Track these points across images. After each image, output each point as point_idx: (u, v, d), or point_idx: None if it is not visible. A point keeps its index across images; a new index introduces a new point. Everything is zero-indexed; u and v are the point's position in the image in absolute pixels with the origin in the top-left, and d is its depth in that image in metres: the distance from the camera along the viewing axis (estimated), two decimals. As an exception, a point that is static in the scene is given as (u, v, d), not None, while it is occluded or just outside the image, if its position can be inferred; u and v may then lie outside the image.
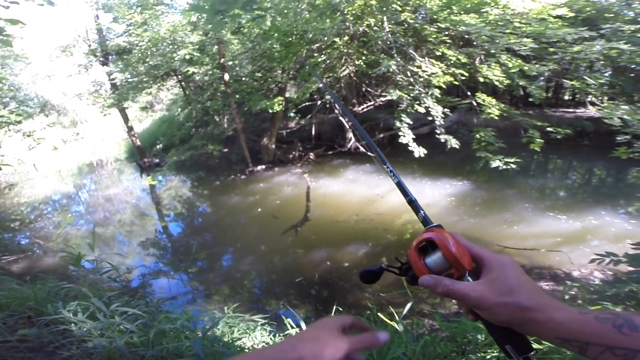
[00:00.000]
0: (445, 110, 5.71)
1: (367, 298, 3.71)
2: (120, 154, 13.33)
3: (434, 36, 5.90)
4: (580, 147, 8.88)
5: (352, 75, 7.67)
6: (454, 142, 5.74)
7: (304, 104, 8.56)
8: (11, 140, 8.20)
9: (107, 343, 1.64)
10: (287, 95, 8.69)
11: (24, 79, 10.63)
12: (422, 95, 5.66)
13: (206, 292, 4.35)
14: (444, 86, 5.77)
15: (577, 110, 10.14)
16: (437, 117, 5.60)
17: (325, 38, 6.29)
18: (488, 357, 1.43)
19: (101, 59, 9.57)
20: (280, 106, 7.55)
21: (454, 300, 0.54)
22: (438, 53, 5.94)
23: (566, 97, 11.92)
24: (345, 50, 6.69)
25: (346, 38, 6.70)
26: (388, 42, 6.05)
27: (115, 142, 13.42)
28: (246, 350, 1.90)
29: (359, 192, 7.11)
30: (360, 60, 6.58)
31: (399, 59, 5.92)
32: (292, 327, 2.17)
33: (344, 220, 5.85)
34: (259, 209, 6.89)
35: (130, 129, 10.50)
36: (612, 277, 3.18)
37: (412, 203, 0.63)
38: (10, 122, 6.65)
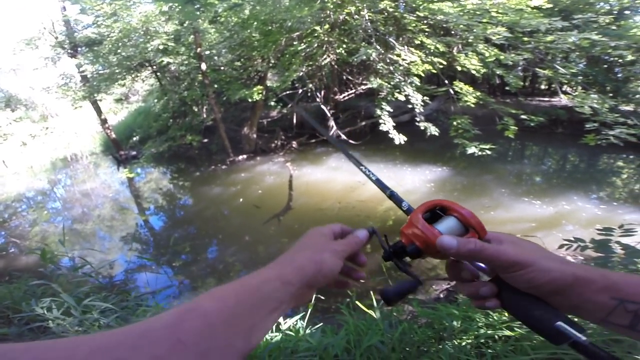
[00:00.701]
0: (425, 98, 5.82)
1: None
2: (95, 147, 12.87)
3: (414, 25, 5.92)
4: (555, 135, 9.19)
5: (333, 63, 7.62)
6: (433, 130, 5.89)
7: (285, 93, 8.48)
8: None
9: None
10: (268, 84, 8.56)
11: None
12: (402, 83, 5.72)
13: (192, 285, 4.32)
14: (422, 75, 5.84)
15: (553, 99, 10.46)
16: (416, 105, 5.70)
17: (305, 26, 6.19)
18: (463, 343, 1.49)
19: (69, 51, 9.07)
20: (260, 95, 7.47)
21: (454, 282, 0.48)
22: (417, 42, 6.00)
23: (542, 87, 12.26)
24: (326, 39, 6.62)
25: (327, 26, 6.63)
26: (368, 31, 6.02)
27: (90, 135, 12.91)
28: None
29: (341, 179, 7.15)
30: (341, 49, 6.53)
31: (378, 47, 5.92)
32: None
33: (327, 207, 5.90)
34: (241, 199, 6.84)
35: (104, 121, 10.09)
36: (583, 263, 3.35)
37: (393, 197, 0.60)
38: (-29, 118, 6.29)
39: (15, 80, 13.02)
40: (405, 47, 6.11)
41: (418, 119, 5.89)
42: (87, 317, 1.75)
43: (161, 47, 6.83)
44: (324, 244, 0.48)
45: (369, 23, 5.94)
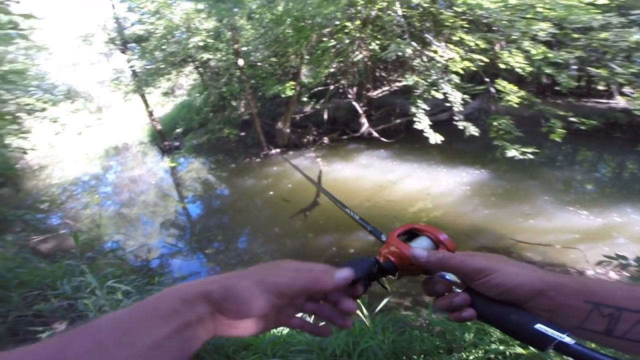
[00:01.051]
0: (465, 96, 5.57)
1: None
2: (143, 137, 13.81)
3: (451, 21, 5.65)
4: (612, 140, 8.34)
5: (366, 60, 7.52)
6: (472, 130, 5.64)
7: (317, 89, 8.51)
8: (42, 125, 8.65)
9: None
10: (302, 80, 8.66)
11: (49, 68, 11.08)
12: (440, 80, 5.50)
13: (221, 273, 4.52)
14: (462, 72, 5.56)
15: (611, 101, 9.47)
16: (455, 103, 5.49)
17: (335, 23, 6.15)
18: (472, 357, 1.43)
19: (120, 47, 9.82)
20: (293, 91, 7.54)
21: (430, 297, 0.50)
22: (456, 38, 5.70)
23: (600, 87, 11.11)
24: (358, 35, 6.54)
25: (358, 22, 6.54)
26: (403, 27, 5.86)
27: (139, 126, 13.89)
28: None
29: (371, 177, 7.06)
30: (374, 45, 6.41)
31: (414, 44, 5.73)
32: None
33: (354, 205, 5.76)
34: (271, 192, 7.01)
35: (150, 113, 10.81)
36: (629, 279, 3.04)
37: (373, 232, 0.62)
38: (36, 109, 7.02)
39: (74, 75, 14.34)
40: (443, 43, 5.85)
41: (456, 118, 5.67)
42: (110, 298, 1.91)
43: (201, 43, 7.17)
44: (256, 269, 0.42)
45: (402, 19, 5.76)
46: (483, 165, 7.16)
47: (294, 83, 7.58)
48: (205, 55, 7.62)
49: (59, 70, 12.57)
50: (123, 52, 10.00)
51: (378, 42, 6.48)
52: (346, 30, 6.61)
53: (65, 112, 9.25)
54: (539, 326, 0.38)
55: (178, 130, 11.91)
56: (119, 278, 2.51)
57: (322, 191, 0.78)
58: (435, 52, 5.68)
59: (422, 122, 5.92)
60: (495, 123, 5.02)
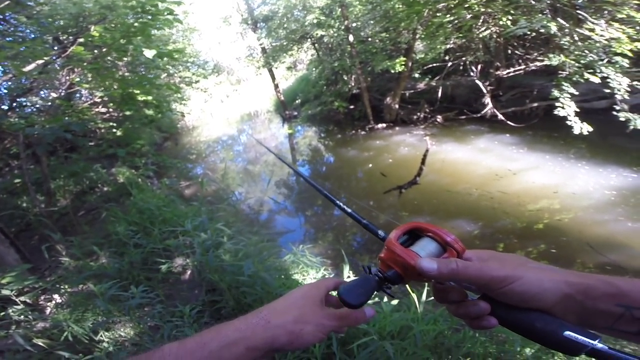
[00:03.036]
0: (636, 83, 4.61)
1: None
2: (270, 106, 15.58)
3: None
4: None
5: (496, 36, 6.50)
6: (639, 123, 4.67)
7: (433, 65, 7.91)
8: (195, 94, 10.83)
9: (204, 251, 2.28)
10: (415, 55, 8.17)
11: (200, 47, 13.38)
12: (599, 62, 4.62)
13: (315, 236, 4.98)
14: (630, 54, 4.44)
15: None
16: (619, 90, 4.64)
17: None
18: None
19: (251, 26, 11.09)
20: (403, 66, 7.26)
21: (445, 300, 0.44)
22: (621, 16, 4.50)
23: None
24: (483, 10, 5.66)
25: None
26: (543, 2, 4.92)
27: (268, 96, 15.70)
28: (283, 280, 2.21)
29: (486, 163, 6.30)
30: (505, 20, 5.50)
31: (561, 20, 4.80)
32: (348, 277, 2.39)
33: (458, 191, 5.41)
34: (370, 165, 7.08)
35: (276, 86, 12.12)
36: None
37: (368, 227, 0.59)
38: (192, 81, 8.82)
39: (220, 51, 17.01)
40: (602, 21, 4.69)
41: (618, 108, 4.84)
42: (214, 238, 2.41)
43: (315, 21, 7.49)
44: (311, 312, 0.43)
45: None
46: (645, 169, 5.45)
47: (404, 59, 7.27)
48: (319, 32, 7.98)
49: (207, 48, 15.17)
50: (254, 31, 11.32)
51: (511, 17, 5.54)
52: (466, 5, 5.81)
53: (212, 83, 11.29)
54: (568, 333, 0.35)
55: (297, 101, 13.03)
56: (228, 223, 3.13)
57: (299, 174, 0.79)
58: (592, 30, 4.66)
59: (567, 108, 5.18)
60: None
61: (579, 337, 0.34)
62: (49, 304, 2.33)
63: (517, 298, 0.38)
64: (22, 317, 1.95)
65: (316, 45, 10.63)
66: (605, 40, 4.63)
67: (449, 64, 8.06)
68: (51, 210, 3.78)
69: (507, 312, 0.39)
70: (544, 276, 0.37)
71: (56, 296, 2.36)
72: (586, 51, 4.83)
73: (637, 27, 4.56)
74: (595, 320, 0.36)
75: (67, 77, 3.77)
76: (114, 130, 5.12)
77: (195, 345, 0.38)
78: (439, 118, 8.40)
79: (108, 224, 3.47)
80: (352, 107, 9.90)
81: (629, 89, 4.63)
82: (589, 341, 0.34)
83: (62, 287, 2.42)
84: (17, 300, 1.95)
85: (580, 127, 5.11)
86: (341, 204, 0.69)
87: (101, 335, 1.83)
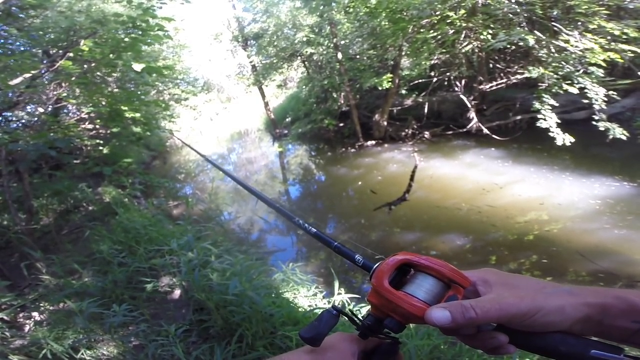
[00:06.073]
0: (612, 93, 4.79)
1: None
2: (260, 124, 15.68)
3: (584, 7, 4.71)
4: None
5: (477, 50, 6.78)
6: (618, 132, 4.87)
7: (419, 81, 8.15)
8: (184, 111, 10.85)
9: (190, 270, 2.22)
10: (401, 72, 8.42)
11: (190, 64, 13.54)
12: (575, 74, 4.82)
13: (307, 254, 4.91)
14: (604, 64, 4.67)
15: None
16: (595, 100, 4.80)
17: (434, 13, 5.72)
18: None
19: (242, 44, 11.33)
20: (390, 83, 7.43)
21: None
22: (592, 26, 4.79)
23: None
24: (464, 25, 5.93)
25: (462, 11, 5.93)
26: (519, 15, 5.19)
27: (258, 114, 15.83)
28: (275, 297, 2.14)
29: (474, 178, 6.39)
30: (486, 34, 5.76)
31: (537, 33, 5.07)
32: (339, 294, 2.34)
33: (447, 206, 5.46)
34: (360, 183, 7.11)
35: (266, 104, 12.24)
36: None
37: (340, 250, 0.53)
38: (181, 98, 8.85)
39: (210, 69, 17.22)
40: (576, 32, 4.96)
41: (597, 118, 4.99)
42: (201, 257, 2.35)
43: (305, 38, 7.72)
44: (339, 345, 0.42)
45: (516, 6, 5.04)
46: (628, 177, 5.61)
47: (391, 75, 7.46)
48: (309, 50, 8.21)
49: (198, 65, 15.37)
50: (244, 48, 11.54)
51: (491, 31, 5.81)
52: (449, 20, 6.09)
53: (202, 101, 11.35)
54: (595, 352, 0.35)
55: (287, 120, 13.14)
56: (215, 243, 3.06)
57: (254, 193, 0.71)
58: (567, 41, 4.90)
59: (548, 120, 5.32)
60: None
61: (607, 354, 0.34)
62: (27, 321, 2.22)
63: (538, 328, 0.37)
64: (-2, 334, 1.84)
65: (306, 63, 10.86)
66: (580, 51, 4.83)
67: (434, 79, 8.29)
68: (32, 228, 3.65)
69: (527, 339, 0.38)
70: (564, 302, 0.36)
71: (35, 314, 2.25)
72: (563, 62, 5.01)
73: (608, 37, 4.80)
74: (611, 335, 0.37)
75: (54, 92, 3.74)
76: (101, 147, 5.04)
77: None
78: (427, 134, 8.57)
79: (92, 242, 3.38)
80: (341, 124, 10.04)
81: (605, 99, 4.78)
82: (615, 356, 0.34)
83: (41, 304, 2.31)
84: (-8, 318, 1.84)
85: (563, 139, 5.23)
86: (307, 224, 0.61)
87: (82, 353, 1.74)
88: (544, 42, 5.22)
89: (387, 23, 6.92)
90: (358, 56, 9.11)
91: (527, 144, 7.26)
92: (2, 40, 3.67)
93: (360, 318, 0.45)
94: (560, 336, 0.37)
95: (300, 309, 2.20)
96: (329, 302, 2.48)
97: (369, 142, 8.95)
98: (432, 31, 6.40)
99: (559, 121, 5.29)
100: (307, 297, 2.57)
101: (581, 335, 0.37)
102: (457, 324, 0.36)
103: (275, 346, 1.86)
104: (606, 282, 3.34)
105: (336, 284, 2.40)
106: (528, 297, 0.37)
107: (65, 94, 3.84)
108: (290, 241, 5.46)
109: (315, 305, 2.42)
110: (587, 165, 6.06)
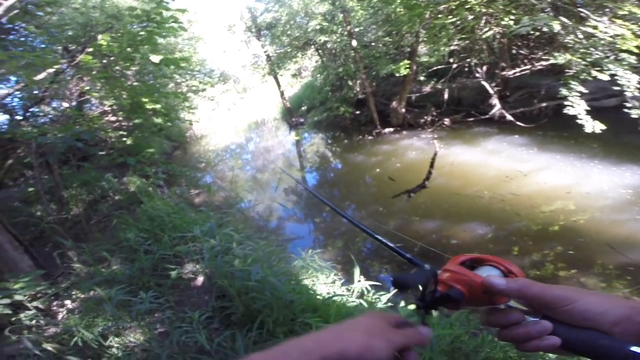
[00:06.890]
0: None
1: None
2: (276, 114, 15.70)
3: None
4: None
5: (499, 36, 6.48)
6: None
7: (438, 67, 7.90)
8: (202, 102, 10.98)
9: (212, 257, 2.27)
10: (422, 58, 8.17)
11: (206, 55, 13.59)
12: (605, 60, 4.60)
13: (325, 241, 4.93)
14: (636, 50, 4.42)
15: None
16: (627, 87, 4.56)
17: None
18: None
19: (255, 34, 11.25)
20: (407, 69, 7.27)
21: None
22: (623, 12, 4.50)
23: None
24: (484, 10, 5.65)
25: None
26: (544, 0, 4.93)
27: (274, 104, 15.84)
28: (293, 285, 2.17)
29: (497, 165, 6.20)
30: (507, 20, 5.49)
31: (563, 19, 4.81)
32: (359, 281, 2.35)
33: (468, 194, 5.32)
34: (378, 170, 7.03)
35: (282, 93, 12.23)
36: None
37: (412, 261, 0.56)
38: (198, 89, 8.93)
39: (225, 60, 17.26)
40: (605, 18, 4.67)
41: (629, 105, 4.79)
42: (223, 244, 2.40)
43: (318, 27, 7.57)
44: (380, 329, 0.46)
45: None
46: (661, 166, 5.30)
47: (408, 62, 7.28)
48: (323, 38, 8.06)
49: (213, 57, 15.42)
50: (258, 38, 11.47)
51: (512, 17, 5.53)
52: (467, 6, 5.81)
53: (219, 92, 11.42)
54: (634, 349, 0.35)
55: (303, 108, 13.10)
56: (237, 229, 3.12)
57: (327, 204, 0.73)
58: (596, 27, 4.62)
59: (577, 107, 5.11)
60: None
61: None
62: (61, 309, 2.34)
63: (579, 317, 0.39)
64: (33, 322, 1.96)
65: (320, 51, 10.72)
66: (610, 37, 4.59)
67: (454, 66, 8.04)
68: (63, 218, 3.83)
69: (569, 331, 0.39)
70: (604, 300, 0.39)
71: (68, 302, 2.37)
72: (591, 49, 4.80)
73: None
74: None
75: (77, 87, 3.85)
76: (124, 139, 5.19)
77: (278, 353, 0.42)
78: (447, 121, 8.34)
79: (119, 231, 3.50)
80: (358, 112, 9.91)
81: (638, 86, 4.55)
82: None
83: (73, 292, 2.43)
84: (29, 305, 1.96)
85: (592, 126, 5.00)
86: (380, 235, 0.66)
87: (111, 341, 1.83)
88: (570, 28, 4.97)
89: (402, 9, 6.70)
90: (373, 43, 8.90)
91: (553, 132, 6.95)
92: (22, 38, 3.80)
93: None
94: (600, 333, 0.38)
95: (319, 297, 2.22)
96: (348, 290, 2.49)
97: (387, 130, 8.81)
98: (450, 17, 6.16)
99: (588, 108, 5.08)
100: (326, 284, 2.59)
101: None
102: (508, 287, 0.42)
103: (295, 333, 1.89)
104: (636, 275, 3.20)
105: (356, 271, 2.40)
106: (570, 289, 0.41)
107: (87, 88, 3.95)
108: (308, 228, 5.51)
109: (334, 292, 2.44)
110: (618, 153, 5.75)
